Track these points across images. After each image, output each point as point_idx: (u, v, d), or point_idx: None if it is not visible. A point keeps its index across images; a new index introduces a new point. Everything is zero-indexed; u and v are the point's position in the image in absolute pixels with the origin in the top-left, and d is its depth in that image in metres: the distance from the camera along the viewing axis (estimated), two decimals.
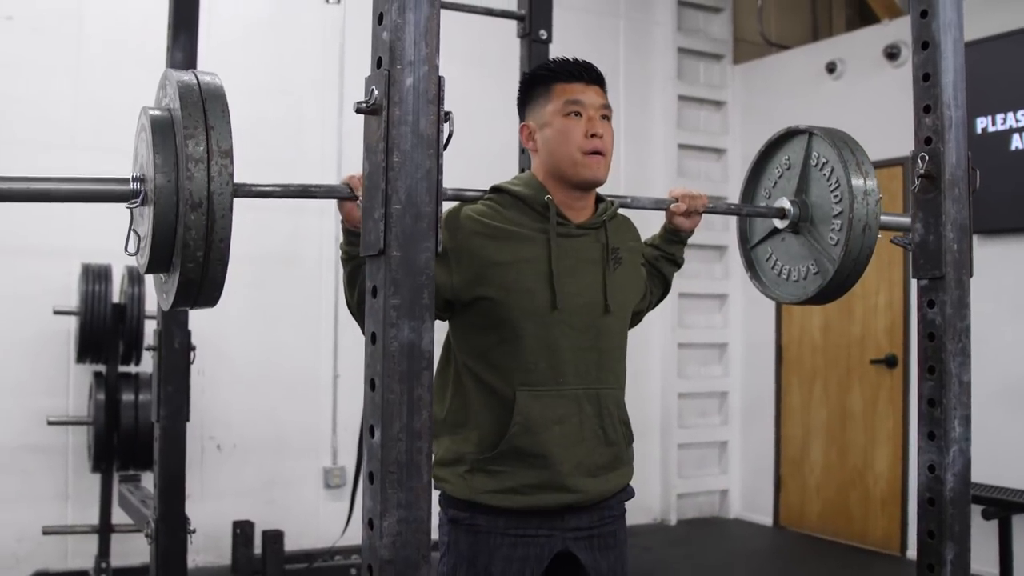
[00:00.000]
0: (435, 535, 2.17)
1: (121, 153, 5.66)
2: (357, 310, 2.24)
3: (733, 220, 7.69)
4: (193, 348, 3.27)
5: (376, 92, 1.57)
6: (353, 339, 5.87)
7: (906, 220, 2.43)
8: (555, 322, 2.33)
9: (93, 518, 5.16)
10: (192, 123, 1.74)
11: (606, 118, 2.40)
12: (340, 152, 6.03)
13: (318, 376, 5.98)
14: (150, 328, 4.82)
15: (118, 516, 5.09)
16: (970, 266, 2.32)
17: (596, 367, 2.39)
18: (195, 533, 3.30)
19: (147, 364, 5.12)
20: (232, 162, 1.75)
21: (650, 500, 7.02)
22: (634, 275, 2.55)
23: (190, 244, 1.73)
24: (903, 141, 2.67)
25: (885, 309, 6.33)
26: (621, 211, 2.54)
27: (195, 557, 5.54)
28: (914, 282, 2.38)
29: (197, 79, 1.83)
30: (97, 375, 5.10)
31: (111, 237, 5.47)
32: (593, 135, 2.34)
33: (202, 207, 1.72)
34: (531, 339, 2.32)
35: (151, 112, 1.85)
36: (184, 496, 3.22)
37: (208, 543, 5.50)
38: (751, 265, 2.86)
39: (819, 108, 6.57)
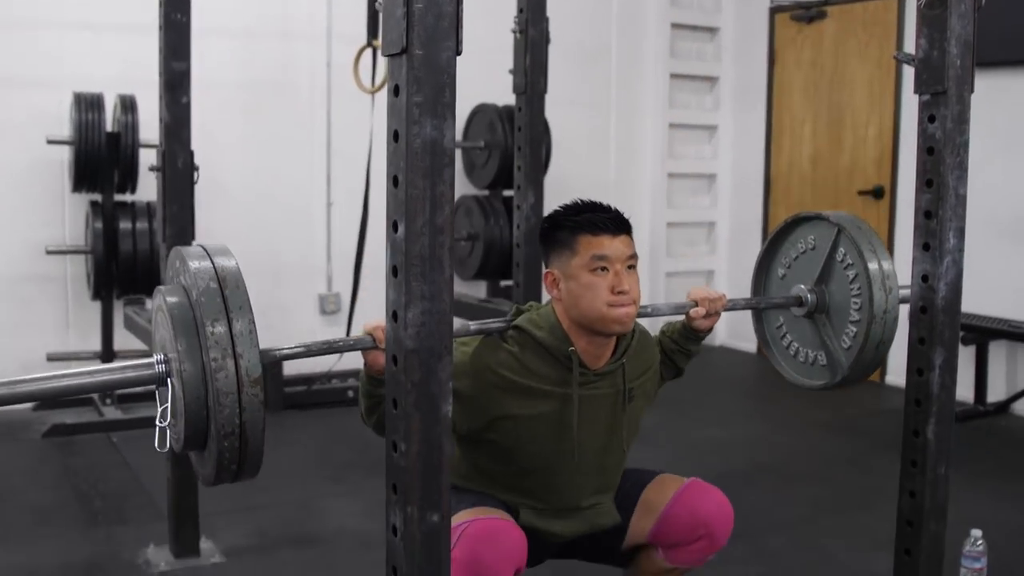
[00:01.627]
0: None
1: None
2: (374, 429, 2.29)
3: (724, 50, 7.58)
4: (196, 168, 3.29)
5: None
6: (345, 168, 5.89)
7: None
8: (565, 469, 2.40)
9: (94, 345, 5.26)
10: (220, 352, 1.75)
11: (632, 267, 2.34)
12: (329, 85, 5.94)
13: (311, 204, 6.01)
14: (144, 157, 4.84)
15: (120, 342, 5.20)
16: (971, 82, 2.35)
17: (598, 491, 2.49)
18: None
19: (143, 192, 5.15)
20: (263, 390, 1.78)
21: None
22: (646, 397, 2.57)
23: (224, 463, 1.80)
24: None
25: (875, 140, 6.35)
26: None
27: None
28: (905, 114, 2.42)
29: (214, 266, 1.84)
30: (93, 204, 5.13)
31: (103, 65, 5.44)
32: (620, 292, 2.29)
33: (234, 435, 1.76)
34: (537, 479, 2.42)
35: (169, 299, 1.87)
36: None
37: None
38: (762, 331, 2.92)
39: None
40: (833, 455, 4.88)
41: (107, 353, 5.16)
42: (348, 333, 5.53)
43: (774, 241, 2.85)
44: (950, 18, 2.29)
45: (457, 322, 1.88)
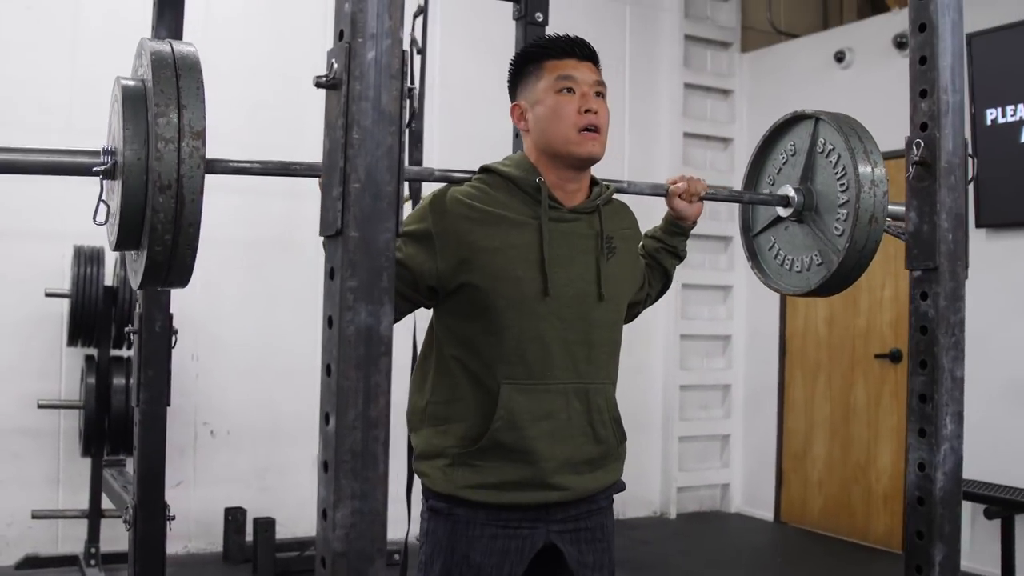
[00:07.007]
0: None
1: None
2: None
3: (738, 210, 7.56)
4: (175, 331, 3.20)
5: (336, 66, 1.50)
6: None
7: None
8: (543, 313, 2.23)
9: (84, 503, 5.12)
10: (164, 100, 1.70)
11: (600, 95, 2.30)
12: None
13: (312, 362, 5.81)
14: None
15: (109, 501, 5.05)
16: (965, 257, 2.24)
17: (586, 361, 2.29)
18: (174, 520, 3.23)
19: None
20: (204, 144, 1.71)
21: (650, 493, 6.94)
22: (630, 265, 2.45)
23: (158, 227, 1.70)
24: None
25: (891, 303, 6.24)
26: (618, 196, 2.46)
27: (187, 543, 5.50)
28: None
29: (172, 49, 1.78)
30: (89, 358, 5.06)
31: None
32: (587, 111, 2.25)
33: (171, 189, 1.69)
34: (517, 330, 2.22)
35: (124, 82, 1.82)
36: (163, 482, 3.16)
37: (200, 530, 5.46)
38: (753, 254, 2.79)
39: (827, 97, 6.43)
40: None
41: (94, 512, 5.01)
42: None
43: (757, 160, 2.72)
44: (939, 191, 2.20)
45: None
